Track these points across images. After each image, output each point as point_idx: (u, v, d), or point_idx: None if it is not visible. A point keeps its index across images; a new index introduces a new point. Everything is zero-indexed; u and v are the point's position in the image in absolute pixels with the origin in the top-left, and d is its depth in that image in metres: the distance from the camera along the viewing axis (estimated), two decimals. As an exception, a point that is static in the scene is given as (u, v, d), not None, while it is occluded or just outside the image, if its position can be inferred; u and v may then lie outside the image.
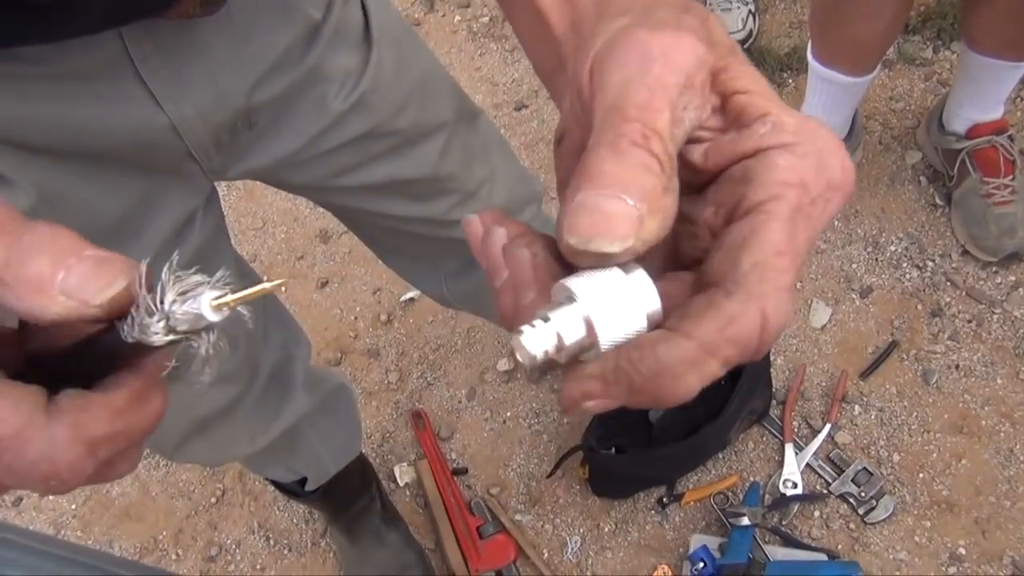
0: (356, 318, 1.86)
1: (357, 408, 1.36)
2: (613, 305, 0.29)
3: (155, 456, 1.78)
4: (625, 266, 0.29)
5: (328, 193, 0.89)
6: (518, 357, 0.29)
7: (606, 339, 0.29)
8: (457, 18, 2.26)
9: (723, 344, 0.28)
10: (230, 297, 0.27)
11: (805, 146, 0.31)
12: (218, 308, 0.26)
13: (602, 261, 0.29)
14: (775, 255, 0.29)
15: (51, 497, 1.77)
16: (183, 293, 0.26)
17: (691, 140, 0.32)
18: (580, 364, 0.30)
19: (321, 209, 1.02)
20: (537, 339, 0.29)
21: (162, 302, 0.26)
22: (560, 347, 0.29)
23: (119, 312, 0.27)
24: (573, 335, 0.29)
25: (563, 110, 0.36)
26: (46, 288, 0.26)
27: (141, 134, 0.65)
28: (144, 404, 0.29)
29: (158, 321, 0.26)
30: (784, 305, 0.28)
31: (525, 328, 0.29)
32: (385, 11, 0.82)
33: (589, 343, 0.29)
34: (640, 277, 0.29)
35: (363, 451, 1.59)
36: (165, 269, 0.27)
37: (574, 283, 0.29)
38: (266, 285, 0.28)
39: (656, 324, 0.29)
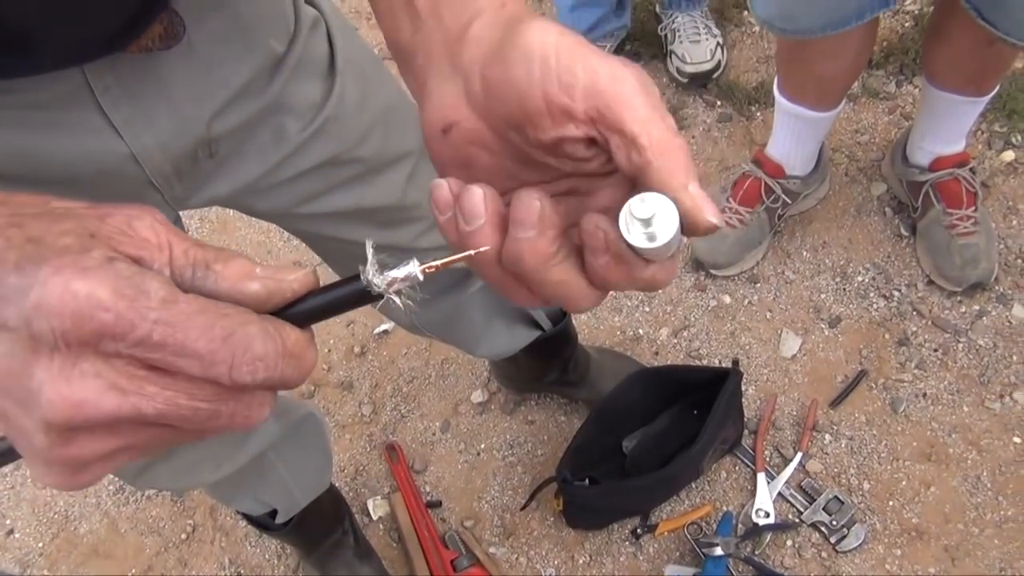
0: (330, 351, 1.86)
1: (327, 438, 1.36)
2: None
3: (124, 492, 1.75)
4: None
5: (295, 220, 0.90)
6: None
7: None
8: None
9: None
10: (435, 263, 0.37)
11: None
12: (424, 272, 0.37)
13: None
14: (669, 140, 0.36)
15: (17, 535, 1.74)
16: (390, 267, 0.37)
17: None
18: None
19: (295, 241, 1.03)
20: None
21: (383, 267, 0.37)
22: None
23: (306, 290, 0.37)
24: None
25: (440, 96, 0.41)
26: (249, 274, 0.35)
27: (101, 163, 0.65)
28: (311, 350, 0.36)
29: (384, 277, 0.37)
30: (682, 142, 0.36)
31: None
32: (351, 42, 0.83)
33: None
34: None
35: (336, 485, 1.59)
36: (369, 244, 0.38)
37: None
38: (464, 254, 0.38)
39: None
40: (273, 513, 1.35)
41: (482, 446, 1.70)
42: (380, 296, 0.37)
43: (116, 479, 1.76)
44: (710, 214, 0.35)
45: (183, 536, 1.69)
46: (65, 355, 0.31)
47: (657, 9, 2.09)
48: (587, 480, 1.50)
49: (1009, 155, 1.81)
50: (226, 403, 0.34)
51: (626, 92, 0.35)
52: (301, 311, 0.37)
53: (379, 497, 1.66)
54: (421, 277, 0.37)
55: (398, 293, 0.37)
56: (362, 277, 0.37)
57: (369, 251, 0.37)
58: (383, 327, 1.85)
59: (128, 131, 0.64)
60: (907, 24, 2.04)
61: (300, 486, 1.31)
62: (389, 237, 0.95)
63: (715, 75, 2.02)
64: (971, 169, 1.67)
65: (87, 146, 0.63)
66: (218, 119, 0.70)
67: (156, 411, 0.32)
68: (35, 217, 0.33)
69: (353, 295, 0.38)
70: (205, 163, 0.73)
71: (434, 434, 1.72)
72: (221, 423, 0.34)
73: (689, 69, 2.00)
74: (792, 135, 1.67)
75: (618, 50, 2.11)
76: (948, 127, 1.63)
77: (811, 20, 1.36)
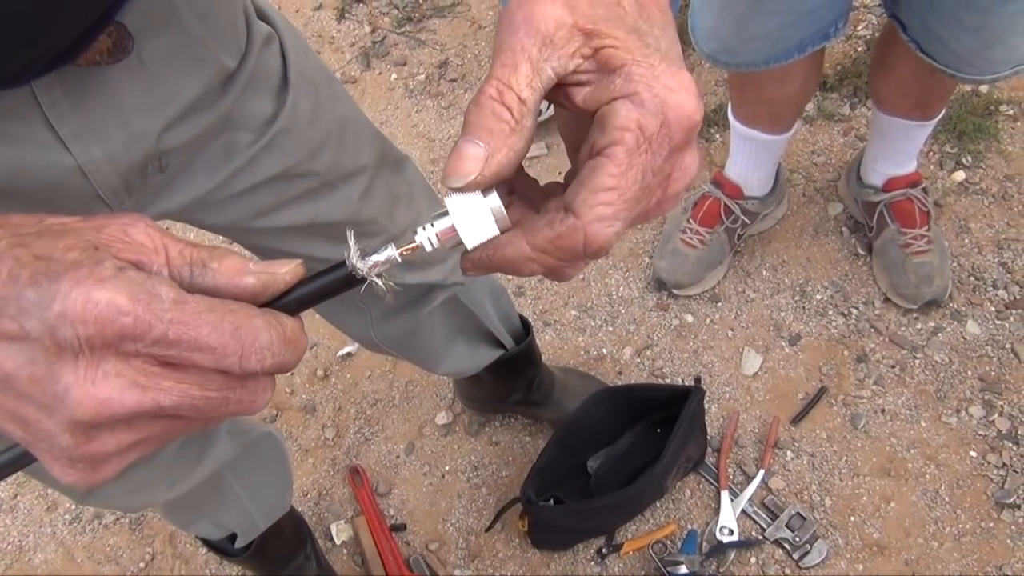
0: (293, 374, 1.84)
1: (287, 459, 1.34)
2: (470, 217, 0.41)
3: (80, 520, 1.72)
4: (487, 191, 0.40)
5: (249, 234, 0.89)
6: (417, 241, 0.42)
7: (468, 240, 0.41)
8: (394, 76, 2.29)
9: (553, 250, 0.40)
10: (410, 245, 0.41)
11: (644, 94, 0.38)
12: (402, 255, 0.41)
13: (458, 190, 0.40)
14: (604, 191, 0.39)
15: (-31, 567, 1.69)
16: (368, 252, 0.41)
17: (577, 84, 0.40)
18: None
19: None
20: (425, 236, 0.42)
21: (364, 254, 0.41)
22: (440, 243, 0.42)
23: (296, 281, 0.40)
24: (446, 236, 0.42)
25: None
26: (244, 269, 0.38)
27: (47, 176, 0.64)
28: (304, 336, 0.40)
29: (365, 262, 0.41)
30: (603, 230, 0.39)
31: (418, 229, 0.42)
32: (304, 58, 0.83)
33: (457, 241, 0.42)
34: (493, 199, 0.40)
35: (299, 509, 1.57)
36: (350, 233, 0.41)
37: (450, 200, 0.41)
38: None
39: (506, 229, 0.41)
40: (233, 537, 1.33)
41: (447, 468, 1.69)
42: (363, 280, 0.41)
43: (72, 507, 1.72)
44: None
45: (142, 565, 1.65)
46: (89, 359, 0.34)
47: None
48: (552, 500, 1.50)
49: (960, 175, 1.86)
50: (234, 391, 0.37)
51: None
52: (293, 300, 0.40)
53: (342, 521, 1.64)
54: (399, 259, 0.41)
55: (379, 276, 0.41)
56: (347, 263, 0.41)
57: (351, 239, 0.41)
58: (346, 349, 1.84)
59: (76, 144, 0.63)
60: (860, 49, 2.09)
61: (259, 508, 1.29)
62: (344, 252, 0.94)
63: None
64: (923, 189, 1.71)
65: (33, 158, 0.62)
66: (168, 133, 0.69)
67: (173, 403, 0.35)
68: (36, 236, 0.35)
69: (339, 281, 0.41)
70: (155, 177, 0.72)
71: (398, 457, 1.71)
72: (229, 410, 0.37)
73: None
74: (748, 157, 1.70)
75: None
76: (898, 149, 1.67)
77: (754, 54, 1.39)
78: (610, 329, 1.79)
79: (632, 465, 1.52)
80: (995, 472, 1.53)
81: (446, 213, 0.41)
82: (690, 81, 0.39)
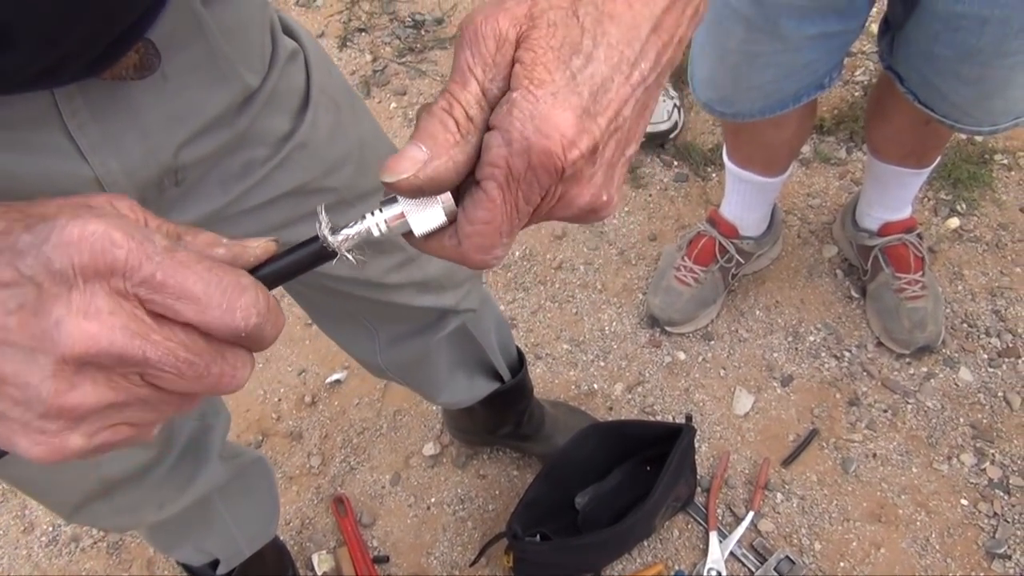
0: (280, 399, 1.82)
1: (275, 486, 1.32)
2: (418, 209, 0.42)
3: (56, 543, 1.68)
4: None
5: None
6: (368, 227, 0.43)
7: (416, 227, 0.42)
8: (393, 105, 2.30)
9: (464, 254, 0.42)
10: (385, 216, 0.42)
11: (514, 133, 0.39)
12: (379, 227, 0.42)
13: (390, 188, 0.40)
14: (480, 223, 0.41)
15: (-60, 587, 1.65)
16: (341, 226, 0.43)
17: None
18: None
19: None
20: (375, 220, 0.43)
21: (335, 229, 0.42)
22: (389, 228, 0.43)
23: (268, 255, 0.42)
24: (395, 220, 0.43)
25: None
26: (217, 242, 0.41)
27: (64, 186, 0.64)
28: (282, 313, 0.41)
29: (339, 235, 0.42)
30: (481, 258, 0.42)
31: (367, 215, 0.43)
32: (328, 74, 0.83)
33: (406, 228, 0.43)
34: (446, 197, 0.42)
35: (281, 538, 1.54)
36: (320, 208, 0.43)
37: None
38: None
39: (453, 218, 0.42)
40: (214, 564, 1.30)
41: (432, 500, 1.67)
42: (335, 254, 0.42)
43: (49, 529, 1.69)
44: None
45: (117, 590, 1.62)
46: (82, 291, 0.35)
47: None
48: (538, 536, 1.48)
49: (954, 222, 1.86)
50: (215, 362, 0.38)
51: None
52: (268, 274, 0.41)
53: (325, 551, 1.61)
54: (376, 233, 0.42)
55: (350, 251, 0.42)
56: (319, 234, 0.42)
57: (321, 213, 0.42)
58: (335, 376, 1.82)
59: (94, 155, 0.63)
60: (856, 94, 2.11)
61: (245, 534, 1.27)
62: (358, 270, 0.94)
63: (672, 135, 2.06)
64: (918, 235, 1.71)
65: (51, 168, 0.62)
66: (186, 148, 0.69)
67: (158, 357, 0.36)
68: (28, 204, 0.37)
69: (311, 255, 0.42)
70: (171, 191, 0.72)
71: (384, 487, 1.69)
72: (209, 382, 0.38)
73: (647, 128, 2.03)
74: (743, 198, 1.71)
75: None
76: (893, 195, 1.68)
77: (749, 104, 1.39)
78: (602, 364, 1.78)
79: (621, 502, 1.50)
80: (986, 521, 1.52)
81: (395, 200, 0.43)
82: (568, 122, 0.38)
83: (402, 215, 0.42)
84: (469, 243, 0.41)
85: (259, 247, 0.41)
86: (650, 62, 0.41)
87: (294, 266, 0.42)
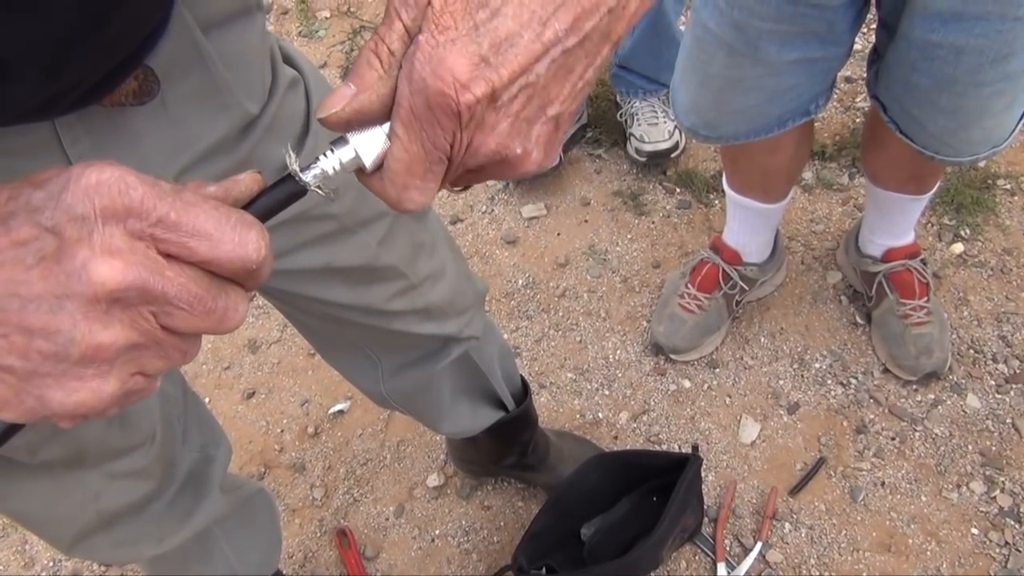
0: (283, 431, 1.81)
1: (277, 518, 1.31)
2: (366, 139, 0.44)
3: (46, 574, 1.67)
4: (384, 124, 0.44)
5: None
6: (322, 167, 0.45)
7: (365, 156, 0.45)
8: (395, 134, 2.31)
9: (384, 188, 0.45)
10: (349, 159, 0.45)
11: (414, 74, 0.41)
12: (342, 164, 0.45)
13: (322, 123, 0.44)
14: (392, 159, 0.44)
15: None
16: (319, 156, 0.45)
17: None
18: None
19: (251, 318, 1.01)
20: (332, 159, 0.45)
21: (304, 165, 0.45)
22: (342, 166, 0.45)
23: (257, 186, 0.44)
24: (347, 156, 0.45)
25: None
26: (204, 184, 0.42)
27: None
28: (270, 255, 0.42)
29: (307, 172, 0.45)
30: (406, 200, 0.45)
31: (320, 156, 0.45)
32: None
33: (359, 164, 0.45)
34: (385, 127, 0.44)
35: (284, 571, 1.52)
36: (288, 146, 0.46)
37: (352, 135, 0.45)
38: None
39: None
40: (215, 600, 1.29)
41: (437, 532, 1.65)
42: (304, 190, 0.45)
43: (49, 564, 1.68)
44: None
45: (118, 626, 1.60)
46: (103, 233, 0.36)
47: (616, 97, 2.15)
48: (544, 568, 1.46)
49: (958, 247, 1.86)
50: (220, 296, 0.39)
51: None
52: (255, 211, 0.43)
53: (328, 585, 1.60)
54: (331, 170, 0.45)
55: (319, 188, 0.45)
56: (288, 166, 0.44)
57: (289, 152, 0.45)
58: (338, 407, 1.81)
59: None
60: (858, 120, 2.11)
61: (247, 567, 1.26)
62: (359, 297, 0.93)
63: (673, 155, 2.06)
64: (922, 260, 1.71)
65: None
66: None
67: (175, 292, 0.37)
68: (24, 177, 0.38)
69: (287, 193, 0.45)
70: None
71: (387, 519, 1.67)
72: (215, 318, 0.39)
73: (647, 148, 2.04)
74: (745, 225, 1.70)
75: (578, 137, 2.15)
76: (894, 222, 1.67)
77: (734, 128, 1.39)
78: (606, 393, 1.77)
79: (627, 533, 1.48)
80: (997, 551, 1.50)
81: (345, 141, 0.45)
82: (461, 66, 0.40)
83: (353, 150, 0.45)
84: (387, 178, 0.44)
85: (247, 178, 0.44)
86: (565, 23, 0.41)
87: (275, 204, 0.45)
